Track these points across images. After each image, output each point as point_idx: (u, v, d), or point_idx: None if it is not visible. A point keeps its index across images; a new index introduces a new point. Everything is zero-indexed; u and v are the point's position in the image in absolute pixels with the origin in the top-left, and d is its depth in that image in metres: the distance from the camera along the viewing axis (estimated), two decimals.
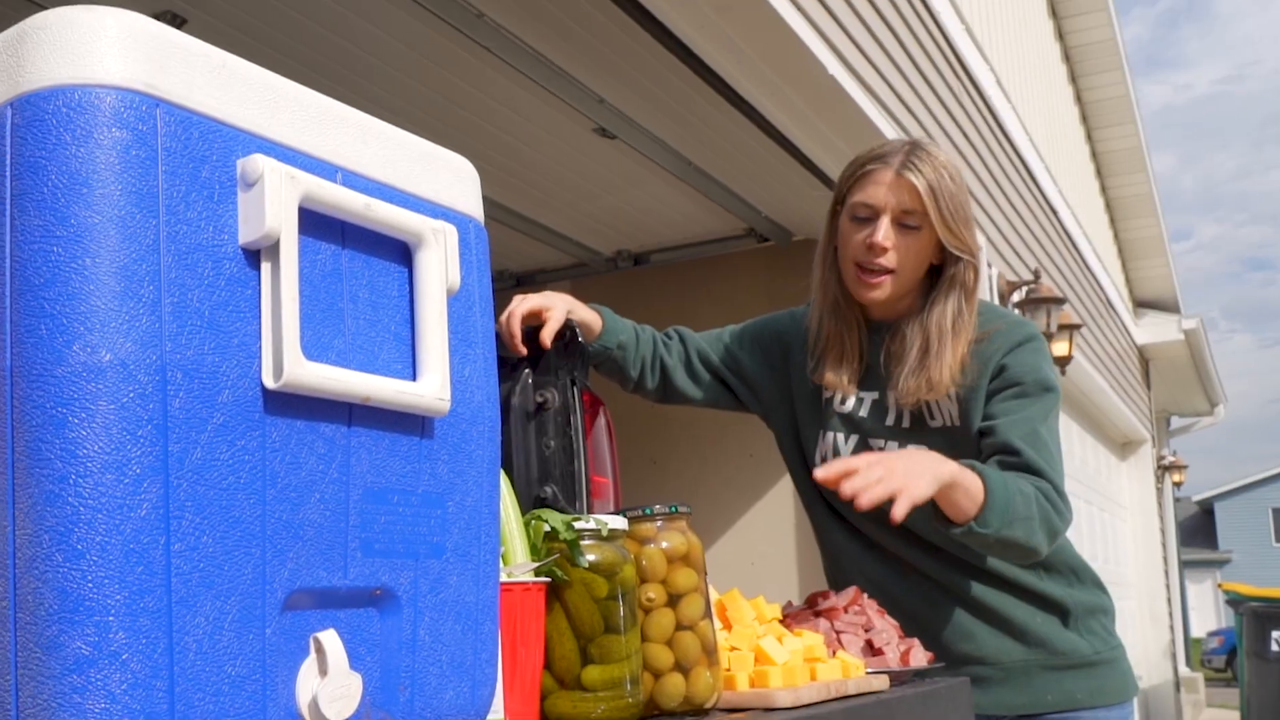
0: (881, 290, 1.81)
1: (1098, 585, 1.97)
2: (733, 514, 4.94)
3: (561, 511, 1.40)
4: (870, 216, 1.80)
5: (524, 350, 1.74)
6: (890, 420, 1.86)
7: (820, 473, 1.58)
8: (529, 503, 1.84)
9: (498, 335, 1.75)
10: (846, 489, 1.55)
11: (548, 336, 1.73)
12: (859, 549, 1.92)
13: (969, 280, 1.83)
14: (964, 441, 1.81)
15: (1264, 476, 33.40)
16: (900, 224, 1.79)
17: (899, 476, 1.57)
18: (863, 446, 1.88)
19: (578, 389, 1.86)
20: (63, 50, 0.67)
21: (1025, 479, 1.72)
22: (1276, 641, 8.20)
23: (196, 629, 0.66)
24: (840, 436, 1.90)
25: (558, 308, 1.75)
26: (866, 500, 1.54)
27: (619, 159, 4.20)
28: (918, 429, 1.85)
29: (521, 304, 1.72)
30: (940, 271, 1.85)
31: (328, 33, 3.27)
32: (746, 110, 3.68)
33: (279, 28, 3.21)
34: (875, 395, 1.88)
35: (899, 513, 1.55)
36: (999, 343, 1.83)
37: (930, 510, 1.69)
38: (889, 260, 1.79)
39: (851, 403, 1.89)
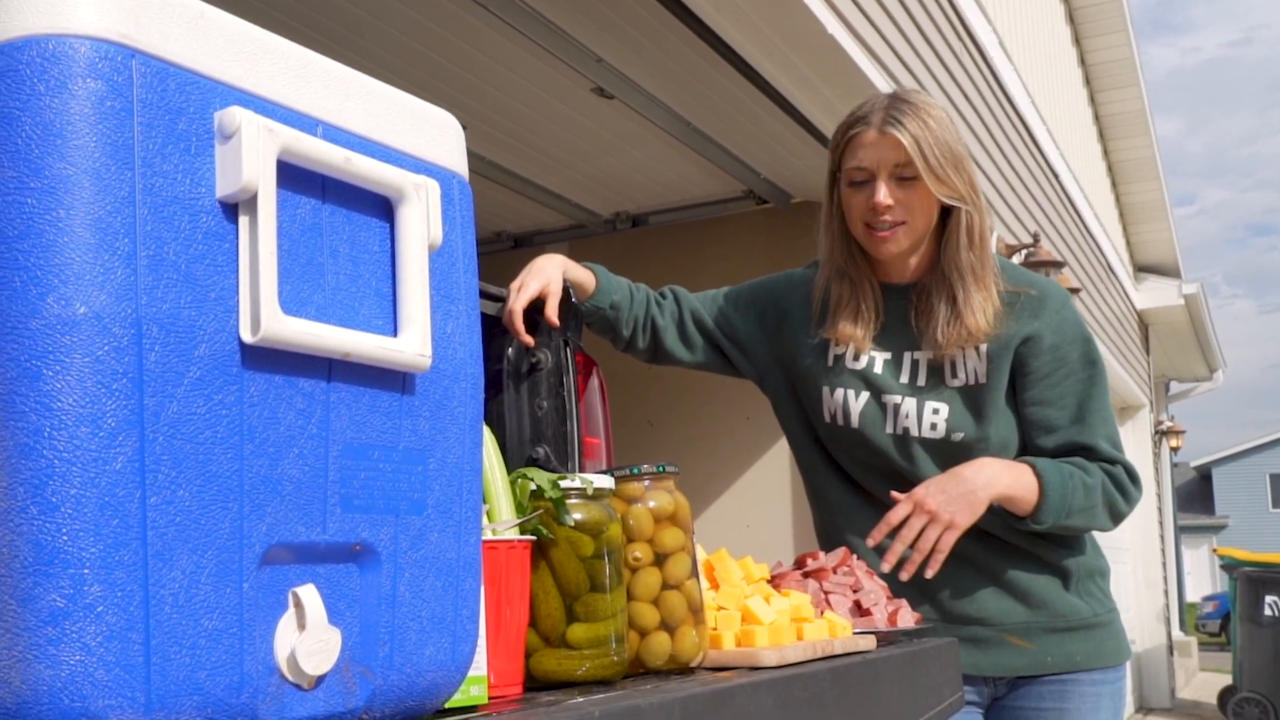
0: (896, 243, 1.84)
1: (1097, 548, 2.00)
2: (729, 476, 4.95)
3: (553, 473, 1.40)
4: (866, 179, 1.82)
5: (532, 341, 1.72)
6: (905, 378, 1.88)
7: (871, 541, 1.80)
8: (521, 464, 1.84)
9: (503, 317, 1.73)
10: (891, 559, 1.77)
11: (553, 314, 1.71)
12: (863, 510, 1.93)
13: (971, 222, 1.85)
14: (985, 399, 1.83)
15: (1263, 442, 33.48)
16: (897, 178, 1.81)
17: (941, 517, 1.74)
18: (875, 403, 1.89)
19: (571, 350, 1.86)
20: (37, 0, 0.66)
21: (1098, 467, 1.84)
22: (1270, 606, 8.24)
23: (173, 582, 0.66)
24: (851, 394, 1.90)
25: (554, 279, 1.72)
26: (905, 575, 1.77)
27: (617, 119, 4.17)
28: (933, 386, 1.87)
29: (520, 297, 1.69)
30: (947, 219, 1.88)
31: None
32: (746, 71, 3.65)
33: None
34: (888, 355, 1.90)
35: (947, 543, 1.76)
36: (1032, 308, 1.87)
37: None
38: (895, 215, 1.82)
39: (865, 360, 1.90)
